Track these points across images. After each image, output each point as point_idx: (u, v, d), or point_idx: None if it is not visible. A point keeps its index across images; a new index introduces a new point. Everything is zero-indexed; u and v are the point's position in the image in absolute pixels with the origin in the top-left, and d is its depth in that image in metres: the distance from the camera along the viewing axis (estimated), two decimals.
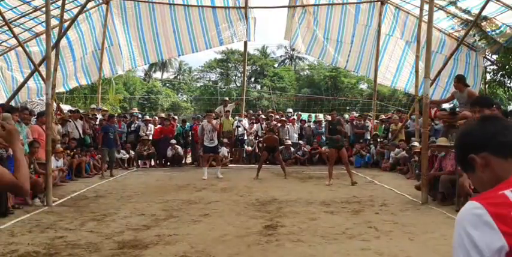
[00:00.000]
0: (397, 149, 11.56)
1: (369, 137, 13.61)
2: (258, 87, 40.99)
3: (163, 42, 14.90)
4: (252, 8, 15.01)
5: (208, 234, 5.21)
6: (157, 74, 45.08)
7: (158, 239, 4.98)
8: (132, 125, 13.57)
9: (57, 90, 12.37)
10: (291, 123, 13.94)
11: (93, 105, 15.51)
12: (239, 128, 13.58)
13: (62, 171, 9.40)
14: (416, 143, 10.28)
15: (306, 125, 14.58)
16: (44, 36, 10.36)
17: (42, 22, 11.87)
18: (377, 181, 9.74)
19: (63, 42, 12.07)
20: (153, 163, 13.38)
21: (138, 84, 35.84)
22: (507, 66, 13.71)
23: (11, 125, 2.05)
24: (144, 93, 35.86)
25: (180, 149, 13.13)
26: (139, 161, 13.29)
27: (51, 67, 7.80)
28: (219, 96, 29.67)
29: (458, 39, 12.76)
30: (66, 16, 11.65)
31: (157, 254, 4.44)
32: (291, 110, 16.63)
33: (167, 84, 43.37)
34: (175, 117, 15.90)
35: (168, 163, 13.27)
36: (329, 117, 14.49)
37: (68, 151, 10.26)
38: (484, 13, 10.96)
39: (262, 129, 13.84)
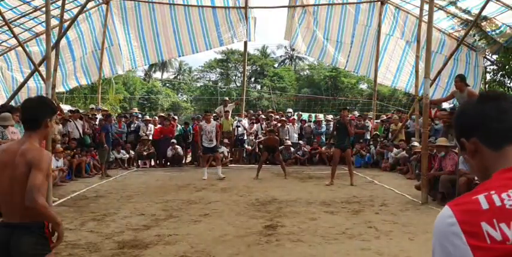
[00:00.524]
0: (396, 149, 11.56)
1: (369, 137, 13.61)
2: (258, 87, 40.99)
3: (164, 42, 14.90)
4: (252, 8, 15.02)
5: (208, 234, 5.21)
6: (157, 74, 45.13)
7: (158, 239, 4.98)
8: (132, 125, 13.56)
9: (57, 90, 12.36)
10: (291, 123, 13.93)
11: (92, 106, 15.51)
12: (239, 128, 13.57)
13: (62, 171, 9.40)
14: (416, 143, 10.28)
15: (306, 125, 14.57)
16: (44, 36, 10.36)
17: (42, 22, 11.88)
18: (377, 181, 9.74)
19: (63, 42, 12.07)
20: (153, 163, 13.38)
21: (138, 84, 35.84)
22: (507, 66, 13.71)
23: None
24: (144, 93, 35.86)
25: (180, 149, 13.13)
26: (139, 161, 13.30)
27: (51, 67, 7.80)
28: (219, 96, 29.68)
29: (458, 39, 12.77)
30: (66, 16, 11.65)
31: (157, 254, 4.44)
32: (291, 110, 16.63)
33: (167, 84, 43.37)
34: (175, 117, 15.90)
35: (168, 163, 13.27)
36: (330, 117, 14.59)
37: (68, 151, 10.26)
38: (484, 13, 10.96)
39: (262, 129, 13.84)
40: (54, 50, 9.63)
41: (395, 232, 5.25)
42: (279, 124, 13.61)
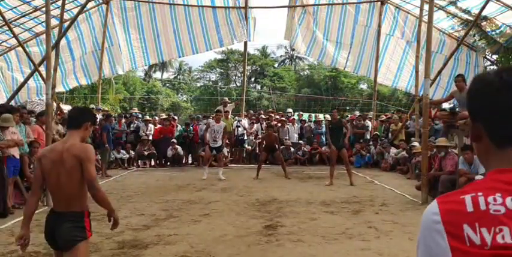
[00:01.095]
0: (396, 150, 11.56)
1: (369, 137, 13.61)
2: (258, 87, 40.98)
3: (164, 43, 14.91)
4: (252, 8, 15.01)
5: (208, 234, 5.21)
6: (157, 74, 45.11)
7: (158, 239, 4.98)
8: (132, 125, 13.56)
9: (57, 90, 12.37)
10: (291, 123, 13.93)
11: (92, 105, 15.51)
12: (239, 128, 13.57)
13: None
14: (416, 143, 10.28)
15: (306, 125, 14.57)
16: (44, 36, 10.36)
17: (42, 22, 11.88)
18: (377, 181, 9.74)
19: (63, 42, 12.08)
20: (153, 163, 13.38)
21: (138, 84, 35.83)
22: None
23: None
24: (144, 93, 35.85)
25: (180, 149, 13.13)
26: (139, 161, 13.29)
27: (51, 67, 7.80)
28: (219, 96, 29.67)
29: (458, 39, 12.77)
30: (66, 16, 11.66)
31: (157, 254, 4.44)
32: (291, 110, 16.62)
33: (167, 84, 43.35)
34: (175, 117, 15.90)
35: (168, 163, 13.27)
36: (328, 117, 14.55)
37: None
38: (484, 13, 10.96)
39: (262, 129, 13.84)
40: (54, 50, 9.64)
41: (395, 232, 5.24)
42: (279, 124, 13.61)
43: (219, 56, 41.91)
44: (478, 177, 6.01)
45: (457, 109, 7.48)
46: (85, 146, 2.69)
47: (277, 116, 14.60)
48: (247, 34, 14.90)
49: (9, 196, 6.35)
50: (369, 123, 14.12)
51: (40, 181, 2.74)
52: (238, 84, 41.45)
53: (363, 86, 37.92)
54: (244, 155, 14.01)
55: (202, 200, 7.45)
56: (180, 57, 17.46)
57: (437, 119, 10.59)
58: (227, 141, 13.18)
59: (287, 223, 5.71)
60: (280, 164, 10.80)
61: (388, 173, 11.13)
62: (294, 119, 14.54)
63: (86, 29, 14.16)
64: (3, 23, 10.40)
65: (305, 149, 13.46)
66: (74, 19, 10.98)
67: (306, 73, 42.93)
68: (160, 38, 14.83)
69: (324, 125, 14.14)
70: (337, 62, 15.56)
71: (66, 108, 14.28)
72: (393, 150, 11.81)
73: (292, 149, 13.28)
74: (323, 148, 13.27)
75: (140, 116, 15.43)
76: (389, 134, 12.93)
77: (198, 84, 44.46)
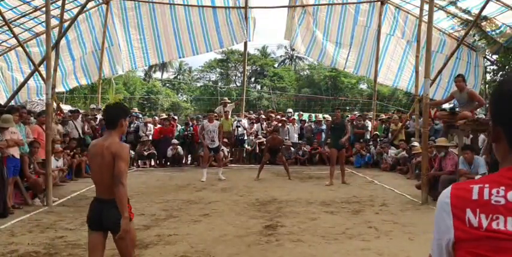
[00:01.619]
0: (396, 150, 11.56)
1: (369, 137, 13.61)
2: (258, 87, 40.98)
3: (164, 44, 14.92)
4: (252, 8, 15.01)
5: (208, 234, 5.21)
6: (157, 74, 45.12)
7: (158, 239, 4.97)
8: (132, 125, 13.55)
9: (57, 90, 12.37)
10: (291, 124, 13.93)
11: (92, 105, 15.51)
12: (239, 128, 13.57)
13: (62, 171, 9.39)
14: (416, 143, 10.27)
15: (306, 125, 14.57)
16: (44, 36, 10.36)
17: (42, 22, 11.88)
18: (377, 181, 9.74)
19: (63, 42, 12.07)
20: (153, 162, 13.37)
21: (138, 84, 35.84)
22: (507, 66, 13.72)
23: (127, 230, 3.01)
24: (144, 93, 35.85)
25: (180, 149, 13.13)
26: (139, 161, 13.29)
27: (51, 67, 7.80)
28: (219, 96, 29.66)
29: (458, 39, 12.77)
30: (66, 16, 11.66)
31: (157, 254, 4.44)
32: (291, 110, 16.62)
33: (167, 84, 43.35)
34: (175, 117, 15.89)
35: (168, 163, 13.27)
36: (329, 117, 14.55)
37: (68, 151, 10.24)
38: (484, 13, 10.96)
39: (262, 129, 13.84)
40: (54, 50, 9.64)
41: (395, 232, 5.24)
42: (279, 124, 13.61)
43: (219, 56, 41.96)
44: (478, 177, 6.01)
45: (457, 109, 7.48)
46: (121, 145, 3.03)
47: (278, 116, 14.60)
48: (247, 34, 14.91)
49: (9, 196, 6.35)
50: (368, 123, 14.12)
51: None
52: (238, 84, 41.45)
53: (363, 86, 37.94)
54: (244, 155, 14.01)
55: (202, 200, 7.45)
56: (180, 58, 17.47)
57: (437, 119, 10.59)
58: (226, 141, 13.20)
59: (287, 223, 5.71)
60: (281, 165, 10.81)
61: (388, 173, 11.13)
62: (294, 119, 14.54)
63: (86, 29, 14.15)
64: (3, 23, 10.40)
65: (305, 149, 13.46)
66: (74, 19, 10.98)
67: (306, 73, 42.94)
68: (161, 39, 14.83)
69: (324, 125, 14.15)
70: (337, 63, 15.55)
71: (66, 108, 14.30)
72: (392, 150, 11.81)
73: (292, 149, 13.28)
74: (323, 148, 13.28)
75: (140, 116, 15.41)
76: (390, 134, 12.93)
77: (198, 84, 44.48)
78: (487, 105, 9.54)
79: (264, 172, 10.60)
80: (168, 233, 5.20)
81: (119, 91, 28.74)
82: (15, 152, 6.63)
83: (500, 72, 14.01)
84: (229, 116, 13.96)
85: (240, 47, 17.43)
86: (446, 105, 11.38)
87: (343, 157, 9.70)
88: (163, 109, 32.80)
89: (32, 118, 9.28)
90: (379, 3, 14.38)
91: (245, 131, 13.69)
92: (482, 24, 12.21)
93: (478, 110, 8.01)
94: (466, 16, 12.58)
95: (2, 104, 9.60)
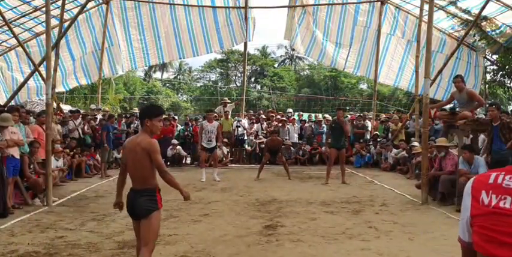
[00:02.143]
0: (396, 150, 11.56)
1: (369, 137, 13.61)
2: (258, 87, 40.98)
3: (164, 44, 14.92)
4: (252, 8, 15.01)
5: (208, 234, 5.21)
6: (157, 74, 45.12)
7: (158, 239, 4.95)
8: (132, 125, 13.55)
9: (57, 90, 12.37)
10: (291, 124, 13.93)
11: (92, 106, 15.51)
12: (239, 128, 13.56)
13: (62, 171, 9.39)
14: (416, 143, 10.27)
15: (306, 125, 14.57)
16: (44, 36, 10.36)
17: (42, 22, 11.88)
18: (377, 181, 9.74)
19: (62, 42, 12.07)
20: None
21: (138, 84, 35.85)
22: (507, 66, 13.72)
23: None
24: (144, 93, 35.86)
25: (180, 149, 13.12)
26: None
27: (51, 67, 7.80)
28: (219, 96, 29.68)
29: (458, 39, 12.76)
30: (66, 16, 11.66)
31: (157, 254, 4.43)
32: (291, 110, 16.62)
33: (167, 84, 43.37)
34: (176, 117, 15.87)
35: (168, 163, 13.25)
36: (329, 117, 14.55)
37: (67, 150, 10.23)
38: (484, 13, 10.96)
39: (262, 129, 13.83)
40: (54, 50, 9.64)
41: (395, 232, 5.24)
42: (280, 124, 13.61)
43: (219, 56, 41.95)
44: None
45: (457, 109, 7.47)
46: (150, 141, 3.38)
47: (278, 116, 14.59)
48: (247, 35, 14.91)
49: (9, 196, 6.34)
50: (368, 123, 14.12)
51: (125, 164, 3.53)
52: (238, 84, 41.45)
53: (363, 86, 37.94)
54: (244, 155, 14.00)
55: (202, 200, 7.45)
56: (180, 59, 17.48)
57: (437, 119, 10.59)
58: (226, 141, 13.20)
59: (287, 223, 5.71)
60: (281, 165, 10.81)
61: (388, 173, 11.12)
62: (294, 119, 14.53)
63: (86, 29, 14.15)
64: (3, 23, 10.40)
65: (305, 149, 13.46)
66: (74, 19, 10.98)
67: (306, 73, 42.94)
68: (161, 39, 14.83)
69: (324, 125, 14.16)
70: (337, 63, 15.54)
71: (66, 108, 14.30)
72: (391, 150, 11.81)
73: (292, 149, 13.28)
74: (323, 148, 13.28)
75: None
76: (390, 134, 12.93)
77: (198, 84, 44.48)
78: (487, 105, 9.54)
79: (264, 172, 10.60)
80: (168, 233, 5.20)
81: (118, 91, 28.76)
82: (15, 152, 6.62)
83: (500, 72, 14.01)
84: (229, 116, 13.96)
85: (240, 47, 17.47)
86: (446, 106, 11.37)
87: (343, 156, 9.72)
88: (163, 109, 32.76)
89: (31, 118, 9.29)
90: (379, 3, 14.38)
91: (245, 131, 13.69)
92: (482, 24, 12.20)
93: (478, 110, 8.00)
94: (466, 16, 12.58)
95: (2, 104, 9.61)
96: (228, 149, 13.39)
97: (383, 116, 14.75)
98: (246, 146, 13.85)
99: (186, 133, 13.58)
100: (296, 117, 15.40)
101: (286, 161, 11.29)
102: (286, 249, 4.60)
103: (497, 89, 15.54)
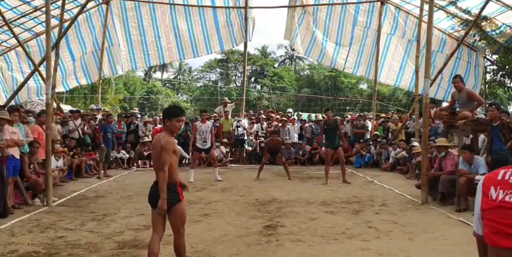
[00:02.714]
0: (397, 149, 11.56)
1: (369, 137, 13.61)
2: (258, 87, 40.99)
3: (165, 44, 14.92)
4: (252, 8, 15.01)
5: (208, 234, 5.21)
6: (157, 74, 45.13)
7: None
8: (132, 125, 13.55)
9: (57, 90, 12.37)
10: (291, 123, 13.93)
11: (92, 106, 15.51)
12: (239, 128, 13.56)
13: (62, 171, 9.39)
14: (416, 143, 10.27)
15: (306, 125, 14.57)
16: (44, 36, 10.36)
17: (42, 22, 11.88)
18: (377, 181, 9.74)
19: (62, 41, 12.07)
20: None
21: (138, 84, 35.84)
22: (507, 66, 13.72)
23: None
24: (144, 93, 35.86)
25: (181, 149, 13.10)
26: (139, 161, 13.28)
27: (51, 67, 7.80)
28: (219, 96, 29.68)
29: (458, 39, 12.76)
30: (66, 16, 11.66)
31: None
32: (291, 110, 16.63)
33: (167, 84, 43.38)
34: None
35: None
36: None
37: (67, 150, 10.22)
38: (484, 13, 10.97)
39: (262, 129, 13.83)
40: (54, 50, 9.64)
41: (395, 232, 5.24)
42: (280, 124, 13.61)
43: (219, 56, 41.98)
44: (478, 177, 6.01)
45: (457, 109, 7.47)
46: (166, 140, 3.62)
47: (278, 116, 14.59)
48: (247, 35, 14.91)
49: (9, 196, 6.34)
50: (368, 123, 14.12)
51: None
52: (238, 84, 41.47)
53: (363, 86, 37.95)
54: (244, 155, 14.00)
55: (202, 200, 7.45)
56: (180, 59, 17.48)
57: (437, 119, 10.59)
58: (226, 141, 13.19)
59: (287, 223, 5.71)
60: (281, 165, 10.81)
61: (388, 173, 11.13)
62: (294, 119, 14.54)
63: (86, 29, 14.15)
64: (3, 23, 10.40)
65: (305, 149, 13.46)
66: (74, 19, 10.99)
67: (306, 73, 42.96)
68: (161, 39, 14.83)
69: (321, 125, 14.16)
70: (336, 63, 15.54)
71: (66, 108, 14.29)
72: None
73: (292, 149, 13.28)
74: (323, 148, 13.27)
75: (139, 116, 15.39)
76: (390, 134, 12.93)
77: (198, 84, 44.50)
78: (487, 105, 9.54)
79: (264, 172, 10.60)
80: (168, 233, 5.19)
81: (118, 91, 28.76)
82: (14, 152, 6.62)
83: (500, 72, 14.01)
84: (229, 116, 13.95)
85: (240, 47, 17.44)
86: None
87: (342, 156, 9.71)
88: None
89: (31, 118, 9.29)
90: (379, 3, 14.38)
91: (245, 131, 13.69)
92: (482, 24, 12.20)
93: (478, 110, 8.00)
94: (466, 16, 12.58)
95: (2, 104, 9.61)
96: (228, 149, 13.38)
97: (382, 117, 14.73)
98: (246, 146, 13.85)
99: (188, 132, 13.57)
100: (296, 117, 15.39)
101: (286, 161, 11.29)
102: (286, 249, 4.60)
103: (497, 89, 15.54)
